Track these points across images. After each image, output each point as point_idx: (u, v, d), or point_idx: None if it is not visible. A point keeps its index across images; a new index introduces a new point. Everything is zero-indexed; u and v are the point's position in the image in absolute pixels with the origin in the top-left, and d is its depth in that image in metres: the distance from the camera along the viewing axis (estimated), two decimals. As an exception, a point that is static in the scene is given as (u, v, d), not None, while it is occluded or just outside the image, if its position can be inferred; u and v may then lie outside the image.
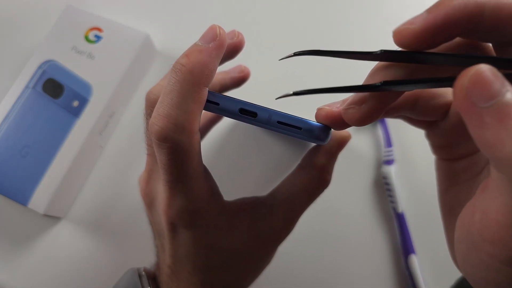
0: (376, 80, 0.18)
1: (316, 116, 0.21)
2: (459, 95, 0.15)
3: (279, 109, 0.21)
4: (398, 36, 0.17)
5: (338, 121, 0.20)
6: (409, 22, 0.17)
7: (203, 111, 0.21)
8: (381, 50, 0.17)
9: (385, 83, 0.17)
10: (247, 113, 0.21)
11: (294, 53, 0.19)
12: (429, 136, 0.24)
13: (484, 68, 0.14)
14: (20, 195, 0.36)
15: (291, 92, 0.19)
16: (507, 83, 0.14)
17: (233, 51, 0.25)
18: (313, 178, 0.25)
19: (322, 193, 0.26)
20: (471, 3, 0.16)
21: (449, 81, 0.16)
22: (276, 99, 0.21)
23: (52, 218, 0.40)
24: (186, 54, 0.20)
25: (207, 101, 0.21)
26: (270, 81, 0.43)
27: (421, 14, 0.17)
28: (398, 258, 0.38)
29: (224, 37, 0.21)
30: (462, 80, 0.14)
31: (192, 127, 0.20)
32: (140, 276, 0.27)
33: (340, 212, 0.39)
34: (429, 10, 0.17)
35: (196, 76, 0.20)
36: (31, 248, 0.39)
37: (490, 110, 0.14)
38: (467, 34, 0.17)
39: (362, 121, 0.19)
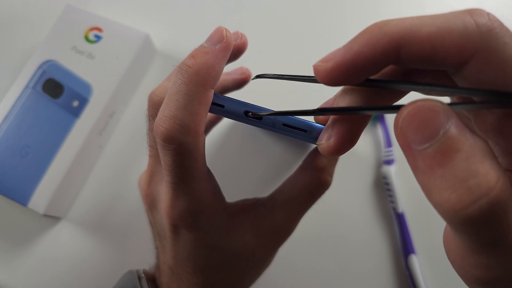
0: (341, 104, 0.18)
1: (315, 71, 0.20)
2: (395, 131, 0.14)
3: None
4: (315, 72, 0.17)
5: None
6: (324, 59, 0.16)
7: None
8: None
9: (321, 110, 0.17)
10: (252, 115, 0.21)
11: (256, 75, 0.21)
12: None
13: (423, 106, 0.13)
14: (20, 195, 0.36)
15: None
16: (450, 123, 0.13)
17: (236, 52, 0.25)
18: (314, 180, 0.25)
19: (323, 194, 0.26)
20: (386, 37, 0.15)
21: (391, 109, 0.15)
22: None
23: (52, 218, 0.40)
24: (193, 56, 0.20)
25: (212, 103, 0.21)
26: (270, 81, 0.43)
27: (337, 50, 0.16)
28: (398, 258, 0.38)
29: (230, 39, 0.21)
30: (399, 116, 0.14)
31: (198, 128, 0.20)
32: (139, 278, 0.27)
33: (340, 212, 0.39)
34: (345, 45, 0.16)
35: (202, 78, 0.20)
36: (31, 248, 0.39)
37: (422, 154, 0.13)
38: (398, 63, 0.16)
39: (336, 153, 0.19)
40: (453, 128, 0.13)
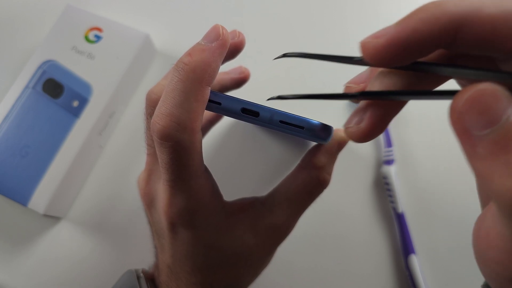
0: (375, 88, 0.18)
1: (363, 49, 0.18)
2: (453, 116, 0.13)
3: (280, 109, 0.21)
4: (363, 49, 0.16)
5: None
6: (375, 35, 0.16)
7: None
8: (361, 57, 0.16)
9: (363, 94, 0.17)
10: (249, 112, 0.21)
11: (283, 54, 0.19)
12: None
13: (484, 91, 0.12)
14: (20, 195, 0.36)
15: (276, 96, 0.19)
16: (509, 108, 0.12)
17: (234, 51, 0.25)
18: (312, 178, 0.25)
19: (322, 193, 0.26)
20: (445, 16, 0.14)
21: (443, 95, 0.15)
22: (267, 100, 0.21)
23: (52, 218, 0.40)
24: (189, 53, 0.20)
25: (209, 100, 0.21)
26: (270, 81, 0.43)
27: (389, 26, 0.15)
28: (398, 258, 0.38)
29: (227, 36, 0.21)
30: (458, 100, 0.13)
31: (194, 126, 0.20)
32: (138, 277, 0.27)
33: (340, 212, 0.39)
34: (398, 22, 0.15)
35: (198, 75, 0.20)
36: (31, 248, 0.39)
37: (483, 140, 0.13)
38: (451, 47, 0.15)
39: (364, 138, 0.18)
40: None
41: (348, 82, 0.21)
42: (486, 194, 0.20)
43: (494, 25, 0.14)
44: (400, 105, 0.18)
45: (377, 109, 0.18)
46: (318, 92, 0.18)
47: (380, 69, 0.18)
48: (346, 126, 0.19)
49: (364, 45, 0.16)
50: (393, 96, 0.16)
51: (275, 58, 0.21)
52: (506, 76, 0.14)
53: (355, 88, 0.20)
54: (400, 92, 0.16)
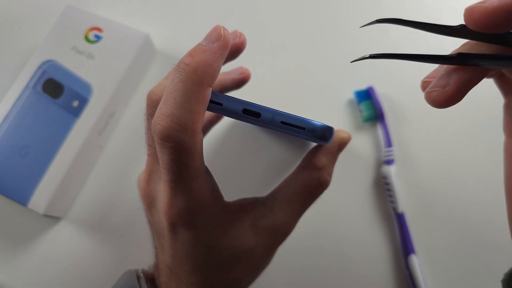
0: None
1: (467, 15, 0.18)
2: None
3: (281, 110, 0.21)
4: (468, 14, 0.16)
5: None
6: (484, 0, 0.16)
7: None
8: (462, 25, 0.17)
9: (461, 55, 0.17)
10: (251, 113, 0.21)
11: (376, 20, 0.18)
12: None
13: None
14: (20, 195, 0.36)
15: (368, 55, 0.18)
16: None
17: (235, 51, 0.25)
18: (313, 179, 0.25)
19: (322, 193, 0.26)
20: None
21: None
22: (351, 62, 0.20)
23: (52, 218, 0.40)
24: (190, 54, 0.20)
25: (210, 101, 0.21)
26: (270, 81, 0.43)
27: None
28: (398, 258, 0.38)
29: (228, 37, 0.21)
30: None
31: (195, 126, 0.20)
32: (138, 278, 0.27)
33: (340, 212, 0.39)
34: None
35: (200, 76, 0.20)
36: (31, 248, 0.39)
37: None
38: None
39: (446, 103, 0.18)
40: None
41: (426, 77, 0.21)
42: None
43: None
44: (483, 74, 0.18)
45: (463, 74, 0.18)
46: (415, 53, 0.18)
47: (466, 42, 0.19)
48: (430, 90, 0.19)
49: (471, 10, 0.16)
50: (488, 61, 0.17)
51: (362, 26, 0.20)
52: None
53: (454, 50, 0.19)
54: (496, 56, 0.17)
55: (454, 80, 0.18)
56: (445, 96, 0.18)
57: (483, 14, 0.16)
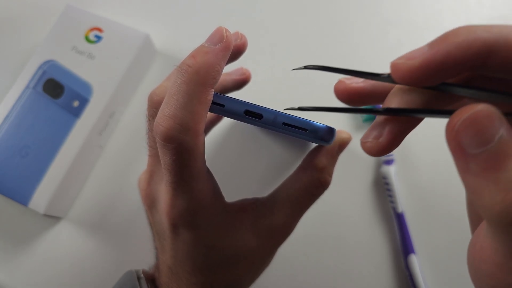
0: (393, 104, 0.18)
1: (335, 88, 0.20)
2: (449, 134, 0.14)
3: (282, 110, 0.21)
4: (394, 70, 0.16)
5: (355, 98, 0.20)
6: (408, 56, 0.16)
7: None
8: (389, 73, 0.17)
9: (388, 110, 0.17)
10: (253, 114, 0.21)
11: (304, 66, 0.19)
12: None
13: (481, 113, 0.13)
14: (20, 195, 0.36)
15: (296, 107, 0.19)
16: (502, 130, 0.13)
17: (236, 53, 0.25)
18: (314, 179, 0.25)
19: (323, 194, 0.26)
20: (478, 41, 0.15)
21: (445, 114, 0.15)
22: (284, 110, 0.21)
23: (52, 218, 0.40)
24: (193, 55, 0.20)
25: (212, 102, 0.21)
26: (270, 82, 0.43)
27: (422, 48, 0.16)
28: (398, 258, 0.38)
29: (230, 39, 0.21)
30: (455, 120, 0.14)
31: (197, 128, 0.20)
32: (138, 278, 0.27)
33: (340, 212, 0.39)
34: (430, 45, 0.16)
35: (202, 77, 0.20)
36: (31, 248, 0.39)
37: (477, 158, 0.13)
38: (478, 70, 0.16)
39: (382, 153, 0.18)
40: (505, 133, 0.13)
41: (342, 79, 0.21)
42: (475, 212, 0.21)
43: None
44: (418, 121, 0.18)
45: (396, 124, 0.18)
46: (337, 106, 0.18)
47: (397, 87, 0.19)
48: (364, 140, 0.19)
49: (395, 66, 0.16)
50: (414, 114, 0.17)
51: (294, 69, 0.21)
52: None
53: (357, 86, 0.20)
54: (422, 110, 0.17)
55: (387, 131, 0.18)
56: (379, 148, 0.18)
57: (407, 72, 0.16)
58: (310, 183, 0.25)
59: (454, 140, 0.14)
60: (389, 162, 0.39)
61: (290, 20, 0.46)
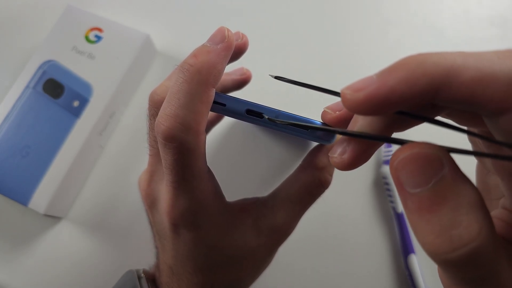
0: (356, 127, 0.18)
1: (322, 118, 0.21)
2: (391, 169, 0.14)
3: (284, 110, 0.21)
4: (342, 100, 0.16)
5: (342, 123, 0.20)
6: (354, 87, 0.15)
7: None
8: None
9: (343, 133, 0.17)
10: (254, 114, 0.21)
11: (276, 76, 0.20)
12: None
13: (418, 154, 0.13)
14: (20, 195, 0.36)
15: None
16: (444, 171, 0.13)
17: (237, 52, 0.25)
18: (314, 179, 0.25)
19: (323, 193, 0.26)
20: (426, 77, 0.14)
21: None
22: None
23: (52, 218, 0.40)
24: (194, 55, 0.20)
25: (214, 102, 0.21)
26: (271, 82, 0.43)
27: (370, 79, 0.15)
28: (398, 258, 0.38)
29: (232, 39, 0.21)
30: (395, 157, 0.14)
31: (199, 127, 0.20)
32: (139, 278, 0.27)
33: (340, 212, 0.39)
34: (378, 76, 0.15)
35: (204, 76, 0.20)
36: (31, 248, 0.39)
37: (413, 197, 0.14)
38: (430, 101, 0.15)
39: (347, 168, 0.18)
40: (446, 177, 0.13)
41: (326, 107, 0.21)
42: None
43: (472, 89, 0.14)
44: (377, 144, 0.18)
45: (359, 144, 0.18)
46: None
47: None
48: (331, 155, 0.19)
49: (343, 96, 0.15)
50: (368, 139, 0.17)
51: (271, 75, 0.21)
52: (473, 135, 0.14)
53: (333, 118, 0.20)
54: (375, 137, 0.17)
55: (350, 149, 0.18)
56: (344, 164, 0.18)
57: (353, 104, 0.15)
58: (311, 183, 0.25)
59: (394, 176, 0.14)
60: (389, 162, 0.39)
61: (290, 20, 0.46)
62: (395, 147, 0.40)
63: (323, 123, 0.22)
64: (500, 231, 0.16)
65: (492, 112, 0.14)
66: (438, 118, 0.17)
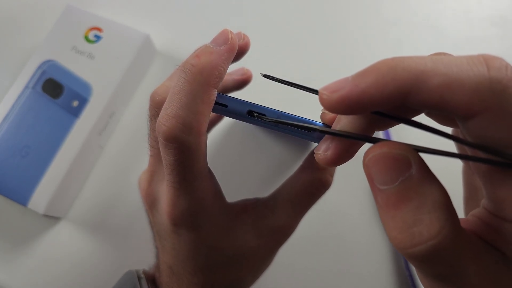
0: (338, 125, 0.19)
1: (321, 119, 0.21)
2: (363, 166, 0.15)
3: (285, 111, 0.21)
4: (320, 99, 0.16)
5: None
6: (331, 88, 0.16)
7: None
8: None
9: (322, 132, 0.18)
10: (255, 115, 0.21)
11: (264, 74, 0.21)
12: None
13: (387, 154, 0.14)
14: (20, 195, 0.36)
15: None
16: (407, 172, 0.14)
17: (239, 53, 0.25)
18: (315, 179, 0.25)
19: (324, 194, 0.26)
20: (395, 82, 0.14)
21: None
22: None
23: (52, 218, 0.40)
24: (197, 55, 0.20)
25: (215, 102, 0.21)
26: (271, 82, 0.43)
27: (345, 80, 0.15)
28: (398, 258, 0.38)
29: (235, 41, 0.21)
30: (366, 155, 0.15)
31: (200, 128, 0.20)
32: (139, 278, 0.27)
33: (340, 212, 0.39)
34: (353, 78, 0.15)
35: (206, 77, 0.20)
36: (31, 248, 0.39)
37: (381, 193, 0.15)
38: (402, 104, 0.15)
39: (332, 164, 0.19)
40: (412, 177, 0.14)
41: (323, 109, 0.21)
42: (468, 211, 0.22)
43: (441, 95, 0.14)
44: (358, 143, 0.19)
45: (341, 142, 0.18)
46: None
47: None
48: (315, 151, 0.19)
49: (320, 97, 0.16)
50: (348, 138, 0.18)
51: (261, 73, 0.22)
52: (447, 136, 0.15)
53: (331, 118, 0.21)
54: (355, 136, 0.17)
55: (333, 146, 0.18)
56: (328, 161, 0.19)
57: (329, 105, 0.16)
58: (311, 183, 0.25)
59: (366, 172, 0.15)
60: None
61: (290, 20, 0.46)
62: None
63: (324, 124, 0.21)
64: (476, 230, 0.17)
65: (461, 116, 0.14)
66: (415, 118, 0.18)
